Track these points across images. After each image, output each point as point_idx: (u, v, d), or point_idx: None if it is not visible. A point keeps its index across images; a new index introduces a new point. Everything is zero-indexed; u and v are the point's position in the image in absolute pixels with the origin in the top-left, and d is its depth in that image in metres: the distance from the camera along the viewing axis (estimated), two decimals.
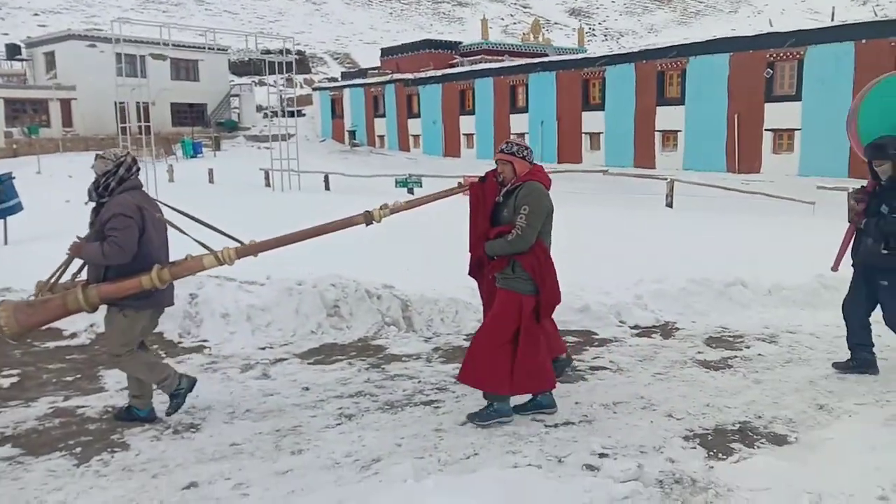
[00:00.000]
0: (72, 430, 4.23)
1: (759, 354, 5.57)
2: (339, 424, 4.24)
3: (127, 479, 3.58)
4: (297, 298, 6.58)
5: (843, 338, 5.95)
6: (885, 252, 4.79)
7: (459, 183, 4.74)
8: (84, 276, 4.35)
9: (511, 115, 34.52)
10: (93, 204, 4.24)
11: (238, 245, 4.36)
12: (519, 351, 4.14)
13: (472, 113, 36.62)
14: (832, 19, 36.46)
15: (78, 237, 4.21)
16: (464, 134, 36.84)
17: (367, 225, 4.36)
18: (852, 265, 5.08)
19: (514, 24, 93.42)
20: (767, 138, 25.10)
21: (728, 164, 26.25)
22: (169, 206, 4.53)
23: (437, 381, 4.99)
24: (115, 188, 4.13)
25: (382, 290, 6.78)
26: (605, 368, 5.29)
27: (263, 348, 5.93)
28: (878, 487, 2.89)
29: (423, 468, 3.55)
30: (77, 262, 4.28)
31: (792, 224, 12.96)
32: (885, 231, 4.75)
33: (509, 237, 4.06)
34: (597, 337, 6.17)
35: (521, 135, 34.31)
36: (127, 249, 4.00)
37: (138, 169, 4.30)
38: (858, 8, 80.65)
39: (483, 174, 4.45)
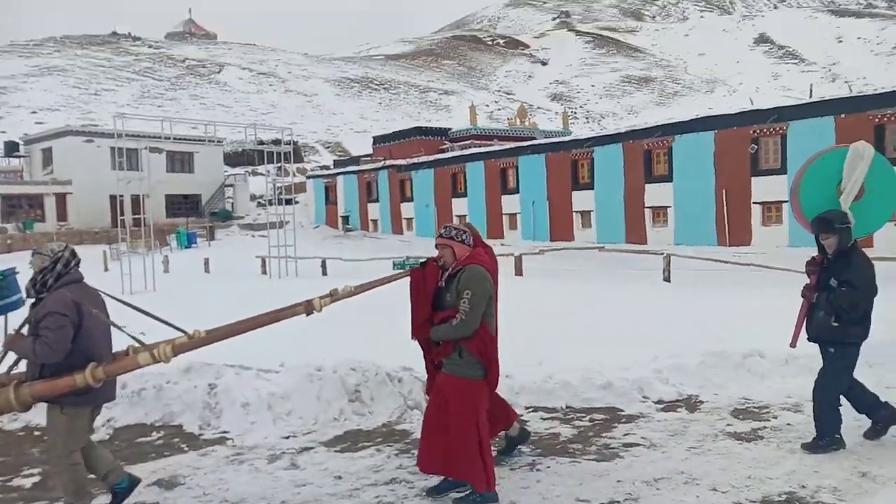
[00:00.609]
0: None
1: (788, 424, 5.56)
2: None
3: None
4: (318, 385, 6.54)
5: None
6: (835, 325, 4.79)
7: (413, 264, 4.78)
8: (20, 368, 4.25)
9: (503, 196, 35.19)
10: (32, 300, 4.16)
11: (180, 338, 4.21)
12: (483, 443, 4.18)
13: (464, 195, 37.30)
14: (810, 95, 37.97)
15: (15, 330, 4.15)
16: (456, 215, 37.34)
17: (308, 315, 4.28)
18: (808, 339, 5.07)
19: (499, 110, 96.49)
20: (756, 211, 25.64)
21: (718, 237, 26.67)
22: (112, 297, 4.45)
23: None
24: (52, 284, 4.09)
25: (402, 372, 6.75)
26: (638, 445, 5.25)
27: (287, 437, 5.85)
28: None
29: None
30: (13, 355, 4.19)
31: (792, 295, 13.06)
32: (835, 304, 4.75)
33: (454, 322, 4.10)
34: (623, 413, 6.14)
35: (513, 215, 34.91)
36: (58, 350, 3.91)
37: (77, 263, 4.25)
38: (829, 84, 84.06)
39: (424, 260, 4.52)
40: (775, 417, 5.80)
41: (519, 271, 19.11)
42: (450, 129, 50.08)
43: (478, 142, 43.06)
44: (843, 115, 23.03)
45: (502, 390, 6.53)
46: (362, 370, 6.69)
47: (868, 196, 5.11)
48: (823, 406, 4.90)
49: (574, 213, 32.10)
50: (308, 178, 50.52)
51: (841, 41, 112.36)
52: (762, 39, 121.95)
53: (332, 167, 53.99)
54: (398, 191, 41.08)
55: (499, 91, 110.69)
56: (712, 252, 22.78)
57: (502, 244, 32.26)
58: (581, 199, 31.77)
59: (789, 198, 5.52)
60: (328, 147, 76.01)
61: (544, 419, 6.05)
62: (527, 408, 6.35)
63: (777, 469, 4.53)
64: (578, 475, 4.64)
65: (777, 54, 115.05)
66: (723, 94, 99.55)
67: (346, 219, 44.75)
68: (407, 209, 40.55)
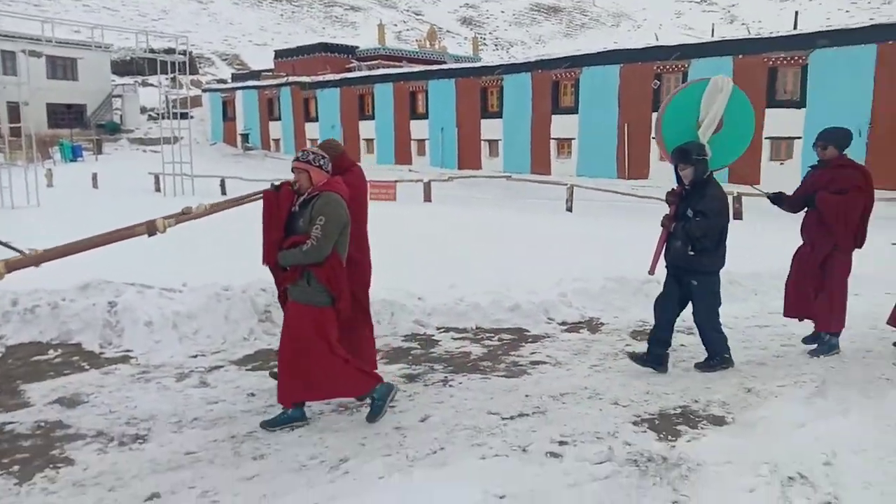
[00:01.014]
0: (3, 448, 3.94)
1: (682, 345, 5.95)
2: (296, 428, 4.18)
3: (80, 494, 3.39)
4: (226, 304, 6.40)
5: (755, 327, 6.49)
6: (691, 254, 4.95)
7: (273, 184, 4.56)
8: None
9: (411, 121, 34.78)
10: None
11: (16, 255, 3.96)
12: (346, 358, 4.18)
13: (371, 118, 36.57)
14: (712, 35, 39.15)
15: None
16: (364, 139, 36.72)
17: (150, 236, 4.06)
18: (665, 266, 5.24)
19: (408, 30, 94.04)
20: (655, 146, 26.60)
21: (618, 170, 27.61)
22: None
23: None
24: None
25: None
26: (544, 363, 5.49)
27: (195, 356, 5.72)
28: (821, 454, 3.22)
29: (394, 465, 3.58)
30: None
31: None
32: (691, 234, 4.89)
33: (304, 247, 4.00)
34: (529, 334, 6.39)
35: (422, 141, 34.63)
36: None
37: None
38: (728, 25, 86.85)
39: (279, 182, 4.32)
40: None
41: (428, 198, 19.17)
42: (357, 47, 48.55)
43: (386, 62, 42.06)
44: (741, 56, 24.00)
45: (415, 311, 6.68)
46: (272, 291, 6.57)
47: (726, 129, 5.18)
48: (708, 332, 5.17)
49: (482, 142, 32.24)
50: (204, 91, 47.91)
51: None
52: None
53: (230, 81, 51.33)
54: (302, 109, 39.75)
55: (407, 10, 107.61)
56: (611, 185, 23.63)
57: (410, 170, 32.13)
58: (489, 128, 31.88)
59: (654, 129, 5.53)
60: (225, 59, 71.93)
61: (455, 339, 6.21)
62: (438, 328, 6.48)
63: (672, 385, 4.87)
64: (489, 390, 4.82)
65: None
66: (628, 28, 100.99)
67: (245, 137, 43.03)
68: (311, 129, 39.40)
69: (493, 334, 6.36)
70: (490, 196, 22.31)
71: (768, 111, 23.42)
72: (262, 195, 4.30)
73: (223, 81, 53.09)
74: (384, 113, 35.86)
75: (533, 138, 30.27)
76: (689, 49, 25.91)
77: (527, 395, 4.68)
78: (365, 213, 4.84)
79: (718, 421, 4.20)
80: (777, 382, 4.87)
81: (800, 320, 5.84)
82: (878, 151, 21.11)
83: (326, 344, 4.11)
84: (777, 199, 5.74)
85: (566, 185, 19.52)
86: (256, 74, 49.62)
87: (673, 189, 5.18)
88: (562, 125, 29.35)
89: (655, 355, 5.18)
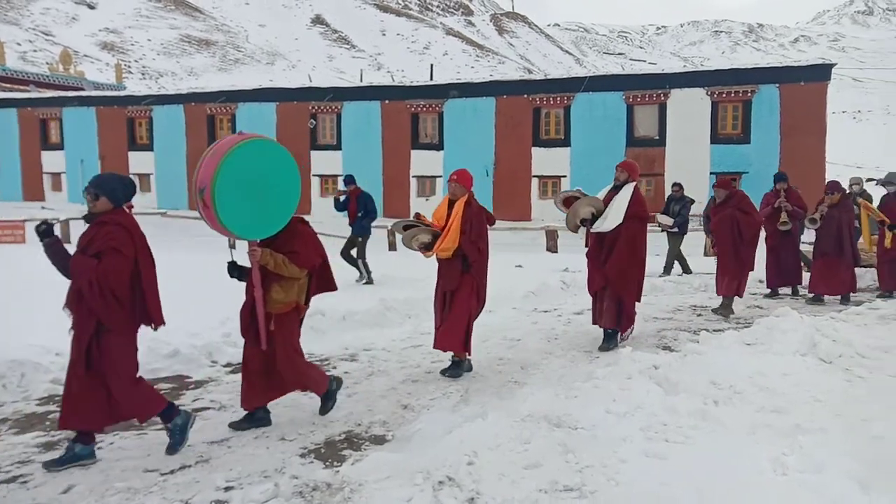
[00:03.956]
0: None
1: (346, 372, 6.21)
2: None
3: None
4: None
5: (410, 347, 7.05)
6: None
7: None
8: None
9: (43, 152, 30.69)
10: None
11: None
12: None
13: None
14: (361, 80, 41.84)
15: None
16: None
17: None
18: None
19: (35, 51, 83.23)
20: (315, 183, 27.45)
21: None
22: None
23: (16, 455, 4.30)
24: None
25: None
26: (208, 408, 5.26)
27: None
28: (465, 455, 3.62)
29: None
30: None
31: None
32: None
33: None
34: (191, 380, 6.07)
35: (57, 174, 30.77)
36: None
37: None
38: (375, 72, 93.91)
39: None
40: (335, 367, 6.42)
41: (67, 238, 17.04)
42: None
43: (8, 85, 36.63)
44: (387, 101, 26.11)
45: (52, 370, 5.86)
46: None
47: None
48: None
49: (131, 176, 29.78)
50: None
51: (385, 34, 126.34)
52: (318, 21, 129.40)
53: None
54: None
55: (34, 29, 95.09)
56: None
57: (44, 207, 28.29)
58: (139, 161, 29.66)
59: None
60: None
61: None
62: None
63: (338, 413, 5.04)
64: (146, 447, 4.46)
65: (332, 37, 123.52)
66: (283, 68, 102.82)
67: None
68: None
69: None
70: (147, 235, 20.62)
71: (413, 152, 25.91)
72: None
73: None
74: (7, 142, 31.03)
75: (189, 172, 28.91)
76: (341, 92, 27.38)
77: (189, 445, 4.42)
78: None
79: (379, 440, 4.47)
80: (429, 396, 5.36)
81: None
82: (500, 188, 24.85)
83: None
84: None
85: None
86: None
87: None
88: None
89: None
